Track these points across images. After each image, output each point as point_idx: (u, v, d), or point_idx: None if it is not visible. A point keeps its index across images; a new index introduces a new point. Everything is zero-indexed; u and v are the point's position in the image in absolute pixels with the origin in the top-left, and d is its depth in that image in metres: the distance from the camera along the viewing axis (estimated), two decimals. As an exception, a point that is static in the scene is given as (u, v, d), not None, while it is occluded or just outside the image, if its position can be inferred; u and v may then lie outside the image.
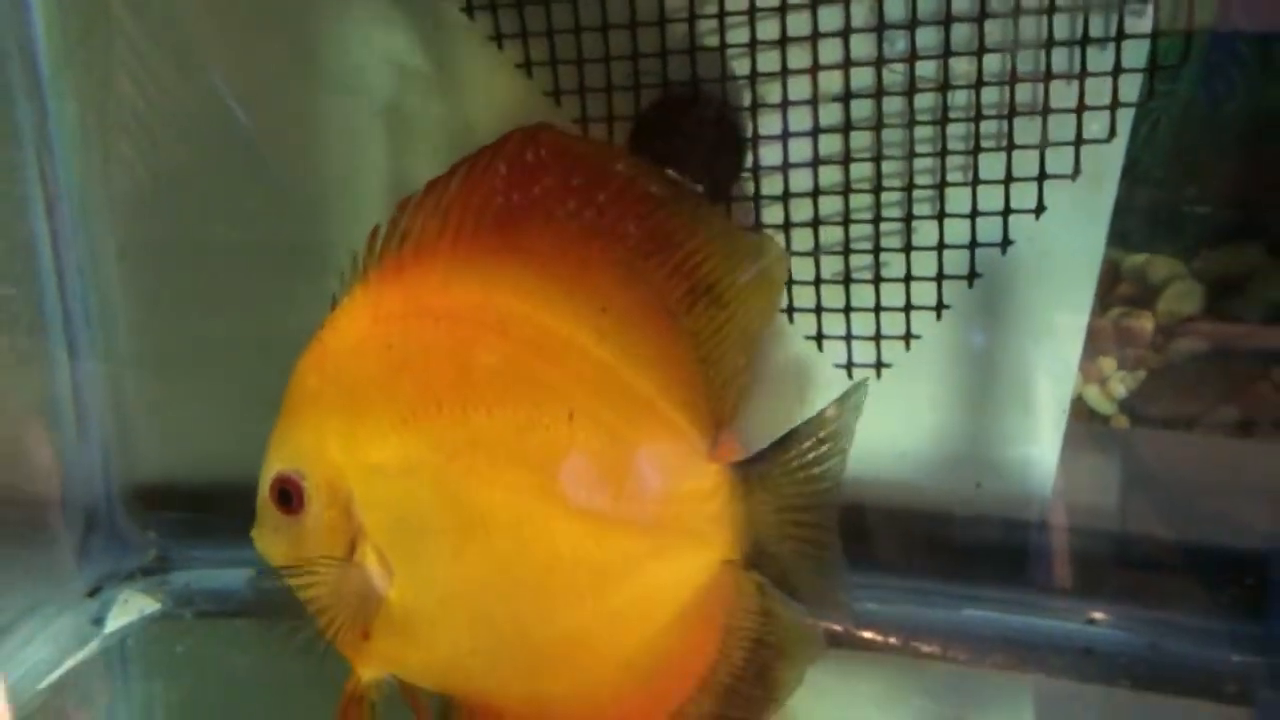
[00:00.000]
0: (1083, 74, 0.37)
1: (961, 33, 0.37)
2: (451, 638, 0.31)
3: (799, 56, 0.39)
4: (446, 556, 0.30)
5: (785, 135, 0.40)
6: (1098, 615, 0.40)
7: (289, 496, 0.31)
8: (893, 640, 0.38)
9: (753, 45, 0.40)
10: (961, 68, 0.38)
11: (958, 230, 0.40)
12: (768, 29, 0.39)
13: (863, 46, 0.39)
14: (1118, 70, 0.37)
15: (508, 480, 0.30)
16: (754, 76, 0.40)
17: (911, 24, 0.38)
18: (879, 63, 0.38)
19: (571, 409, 0.30)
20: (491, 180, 0.32)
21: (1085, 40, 0.37)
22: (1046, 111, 0.38)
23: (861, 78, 0.39)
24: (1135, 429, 0.41)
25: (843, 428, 0.31)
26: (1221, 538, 0.40)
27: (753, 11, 0.39)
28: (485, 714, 0.30)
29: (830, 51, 0.39)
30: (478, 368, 0.30)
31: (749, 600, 0.30)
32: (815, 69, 0.39)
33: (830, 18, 0.38)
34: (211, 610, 0.43)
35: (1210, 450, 0.39)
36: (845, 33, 0.38)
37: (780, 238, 0.41)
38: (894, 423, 0.40)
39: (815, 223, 0.41)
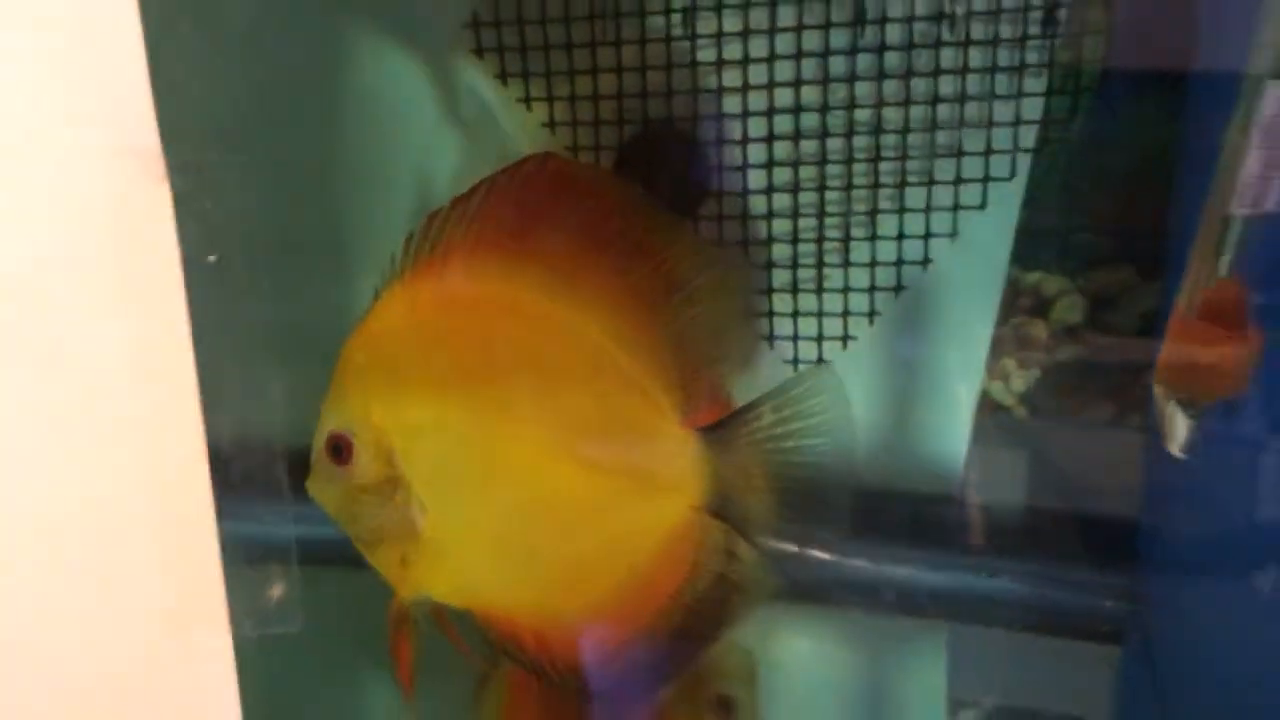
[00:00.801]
0: (990, 124, 0.45)
1: (891, 86, 0.45)
2: (475, 563, 0.37)
3: (757, 100, 0.47)
4: (471, 498, 0.37)
5: (745, 166, 0.48)
6: (1000, 571, 0.47)
7: (340, 451, 0.37)
8: (833, 555, 0.45)
9: (719, 91, 0.47)
10: (891, 115, 0.46)
11: (887, 250, 0.47)
12: (732, 77, 0.47)
13: (811, 95, 0.46)
14: (1018, 121, 0.45)
15: (523, 436, 0.36)
16: (720, 117, 0.48)
17: (851, 78, 0.46)
18: (824, 109, 0.46)
19: (572, 379, 0.37)
20: (506, 196, 0.39)
21: (992, 96, 0.45)
22: (960, 154, 0.46)
23: (809, 120, 0.47)
24: (1031, 419, 0.49)
25: (799, 410, 0.38)
26: (1099, 508, 0.47)
27: (720, 63, 0.47)
28: (501, 624, 0.37)
29: (784, 97, 0.46)
30: (498, 345, 0.37)
31: (714, 541, 0.37)
32: (771, 111, 0.47)
33: (784, 69, 0.46)
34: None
35: (1091, 437, 0.47)
36: (796, 83, 0.46)
37: (740, 251, 0.48)
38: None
39: (769, 240, 0.48)
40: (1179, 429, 0.34)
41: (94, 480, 0.23)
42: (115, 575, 0.22)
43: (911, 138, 0.45)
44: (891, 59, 0.44)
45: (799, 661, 0.47)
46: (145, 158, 0.19)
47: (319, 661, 0.49)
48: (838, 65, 0.45)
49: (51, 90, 0.20)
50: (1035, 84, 0.44)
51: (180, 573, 0.23)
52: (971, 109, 0.45)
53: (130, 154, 0.19)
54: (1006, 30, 0.44)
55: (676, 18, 0.46)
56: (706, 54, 0.46)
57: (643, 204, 0.41)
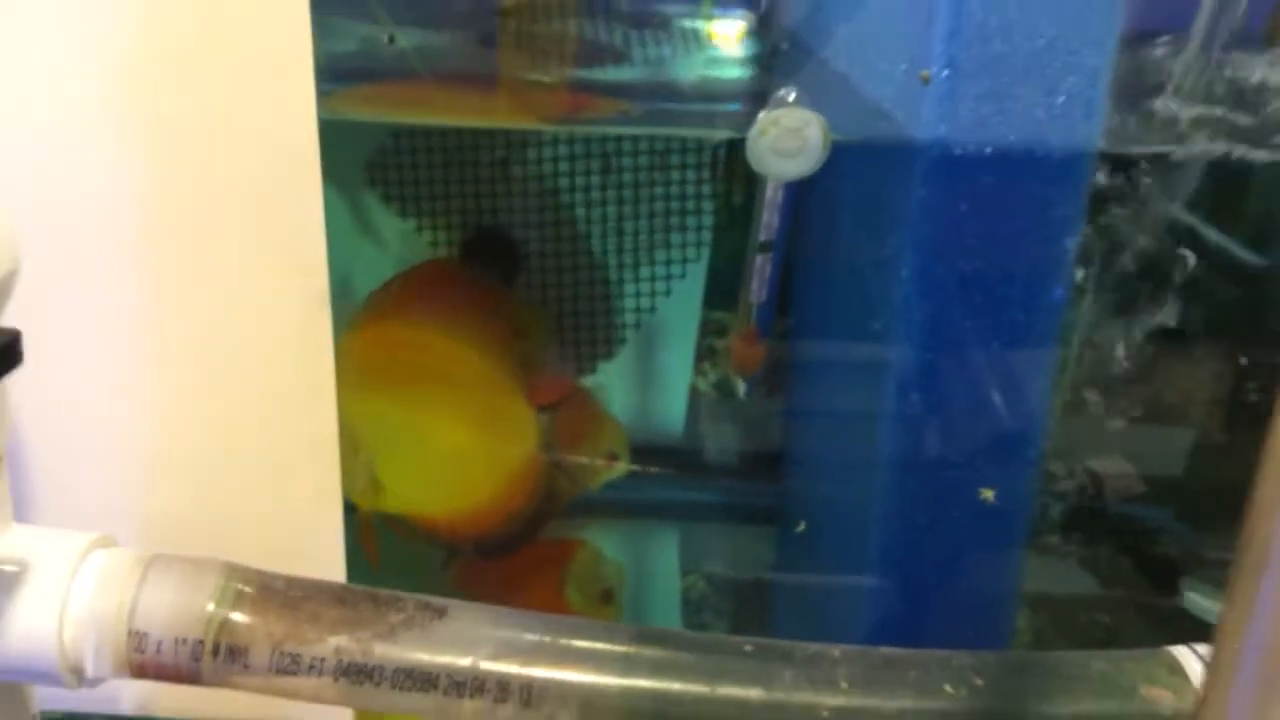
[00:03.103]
0: (684, 227, 0.78)
1: (628, 208, 0.77)
2: (406, 489, 0.64)
3: (550, 217, 0.77)
4: (403, 453, 0.65)
5: (543, 255, 0.78)
6: (707, 488, 0.79)
7: (326, 431, 0.64)
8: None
9: (525, 214, 0.77)
10: (629, 226, 0.77)
11: (631, 303, 0.79)
12: (533, 205, 0.77)
13: (580, 212, 0.77)
14: (700, 228, 0.78)
15: (438, 418, 0.65)
16: (528, 224, 0.78)
17: (603, 204, 0.77)
18: (588, 222, 0.77)
19: (461, 383, 0.65)
20: (415, 281, 0.67)
21: (684, 213, 0.77)
22: (669, 246, 0.78)
23: (580, 228, 0.77)
24: (720, 399, 0.81)
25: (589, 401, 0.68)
26: (762, 445, 0.80)
27: (527, 194, 0.77)
28: (423, 520, 0.64)
29: (565, 214, 0.77)
30: (418, 366, 0.65)
31: (546, 467, 0.66)
32: (557, 224, 0.77)
33: (566, 199, 0.77)
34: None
35: (754, 407, 0.80)
36: (572, 206, 0.77)
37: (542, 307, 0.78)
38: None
39: (560, 300, 0.79)
40: (740, 387, 0.68)
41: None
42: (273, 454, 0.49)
43: (641, 239, 0.77)
44: (628, 194, 0.76)
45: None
46: (318, 289, 0.47)
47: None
48: (595, 198, 0.76)
49: (264, 254, 0.47)
50: (709, 205, 0.77)
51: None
52: (675, 220, 0.77)
53: (310, 288, 0.47)
54: (691, 175, 0.76)
55: (499, 168, 0.76)
56: (519, 188, 0.77)
57: (491, 283, 0.70)
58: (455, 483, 0.65)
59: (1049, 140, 0.48)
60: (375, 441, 0.64)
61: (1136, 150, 0.57)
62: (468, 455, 0.65)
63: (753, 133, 0.52)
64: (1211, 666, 0.21)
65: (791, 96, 0.51)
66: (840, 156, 0.52)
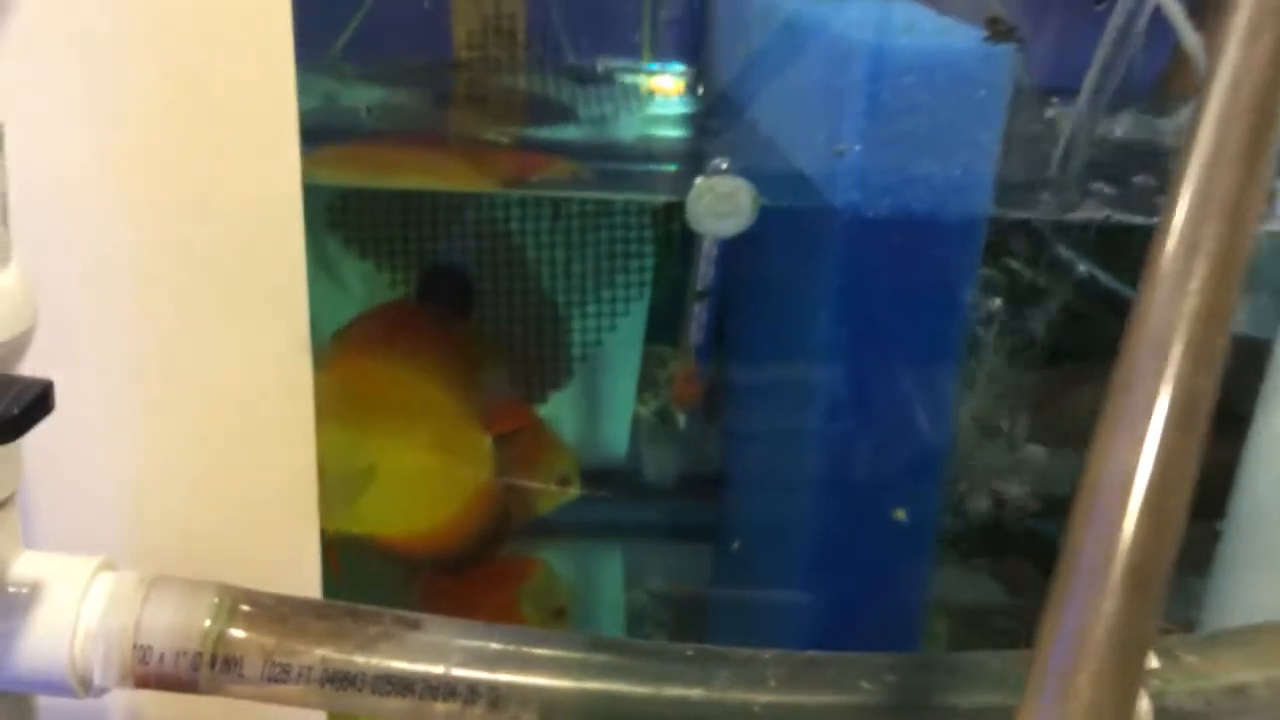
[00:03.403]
0: (627, 269, 0.84)
1: (575, 261, 0.83)
2: (372, 514, 0.70)
3: (504, 255, 0.83)
4: (369, 480, 0.70)
5: (497, 293, 0.84)
6: (648, 508, 0.85)
7: (298, 460, 0.69)
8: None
9: (479, 254, 0.83)
10: (575, 268, 0.83)
11: (579, 338, 0.85)
12: (485, 245, 0.83)
13: (532, 252, 0.83)
14: (644, 270, 0.84)
15: (400, 446, 0.70)
16: (480, 266, 0.84)
17: (551, 247, 0.83)
18: (538, 261, 0.83)
19: (424, 412, 0.71)
20: (378, 321, 0.72)
21: (626, 257, 0.83)
22: (614, 286, 0.84)
23: (534, 268, 0.83)
24: (661, 426, 0.88)
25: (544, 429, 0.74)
26: (700, 469, 0.86)
27: (481, 237, 0.83)
28: (384, 540, 0.69)
29: (518, 253, 0.83)
30: (381, 399, 0.70)
31: (500, 491, 0.72)
32: (510, 263, 0.83)
33: (517, 238, 0.83)
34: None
35: (686, 434, 0.86)
36: (523, 247, 0.83)
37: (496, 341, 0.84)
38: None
39: (512, 335, 0.85)
40: (679, 418, 0.75)
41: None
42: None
43: (588, 280, 0.83)
44: (575, 239, 0.82)
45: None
46: (299, 335, 0.52)
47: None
48: (545, 241, 0.82)
49: (249, 303, 0.52)
50: (650, 249, 0.83)
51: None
52: (618, 262, 0.83)
53: (291, 334, 0.52)
54: (634, 222, 0.83)
55: (454, 214, 0.82)
56: (472, 233, 0.82)
57: (448, 320, 0.76)
58: (416, 507, 0.71)
59: (947, 205, 0.55)
60: (342, 469, 0.69)
61: (1027, 214, 0.64)
62: (428, 481, 0.70)
63: (691, 196, 0.58)
64: (1036, 650, 0.27)
65: (724, 165, 0.58)
66: (768, 217, 0.59)
